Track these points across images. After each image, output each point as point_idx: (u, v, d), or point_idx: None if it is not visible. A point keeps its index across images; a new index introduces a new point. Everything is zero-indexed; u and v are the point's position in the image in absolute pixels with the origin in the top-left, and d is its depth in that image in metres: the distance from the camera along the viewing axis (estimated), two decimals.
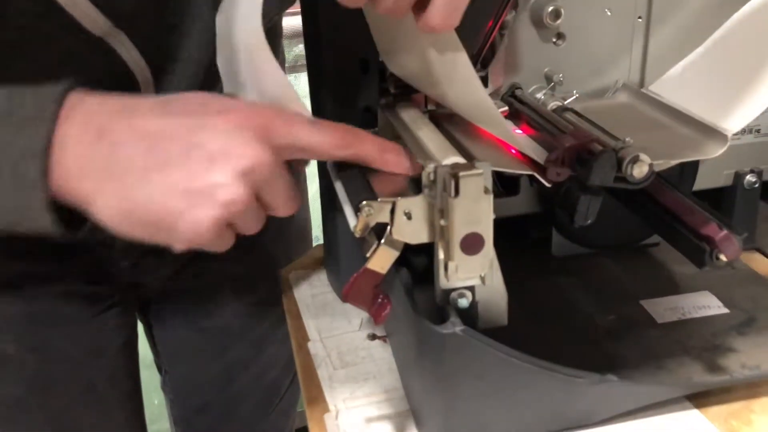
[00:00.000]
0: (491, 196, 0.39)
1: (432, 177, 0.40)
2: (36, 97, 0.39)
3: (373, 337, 0.57)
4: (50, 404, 0.69)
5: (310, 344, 0.56)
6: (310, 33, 0.55)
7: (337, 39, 0.51)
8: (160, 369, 0.86)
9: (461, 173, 0.38)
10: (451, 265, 0.41)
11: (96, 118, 0.39)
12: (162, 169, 0.39)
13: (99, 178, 0.39)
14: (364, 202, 0.41)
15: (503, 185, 0.59)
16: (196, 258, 0.74)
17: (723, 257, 0.45)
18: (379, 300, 0.44)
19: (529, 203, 0.59)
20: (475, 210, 0.39)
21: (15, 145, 0.38)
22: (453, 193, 0.39)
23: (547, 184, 0.44)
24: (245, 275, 0.77)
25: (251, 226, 0.43)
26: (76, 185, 0.39)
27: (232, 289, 0.78)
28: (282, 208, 0.43)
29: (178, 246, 0.41)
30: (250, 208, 0.41)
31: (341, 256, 0.60)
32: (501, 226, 0.50)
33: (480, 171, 0.39)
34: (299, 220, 0.83)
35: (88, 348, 0.71)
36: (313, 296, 0.63)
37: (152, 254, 0.69)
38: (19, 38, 0.47)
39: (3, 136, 0.38)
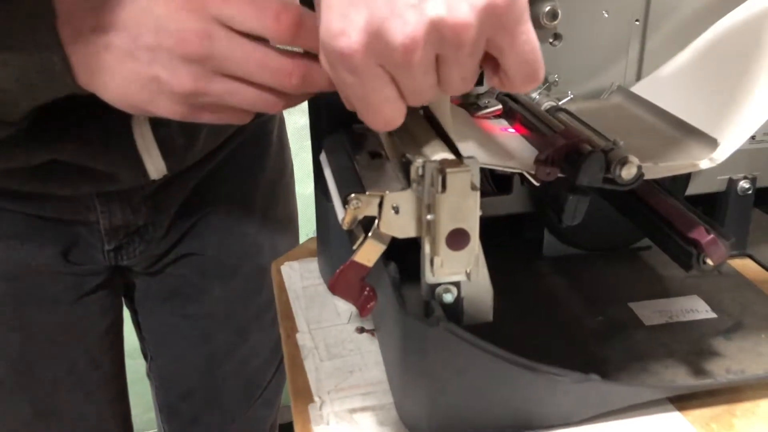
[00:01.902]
0: (478, 193, 0.39)
1: (420, 172, 0.40)
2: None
3: (361, 330, 0.57)
4: (32, 385, 0.70)
5: (298, 335, 0.57)
6: None
7: None
8: (145, 355, 0.87)
9: (448, 169, 0.39)
10: (436, 260, 0.41)
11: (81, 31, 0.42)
12: (119, 64, 0.42)
13: (92, 79, 0.43)
14: (353, 195, 0.41)
15: (496, 184, 0.59)
16: (181, 242, 0.74)
17: (709, 261, 0.45)
18: (366, 293, 0.44)
19: (522, 203, 0.60)
20: (462, 206, 0.39)
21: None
22: (440, 188, 0.39)
23: (536, 183, 0.44)
24: (229, 262, 0.78)
25: (235, 102, 0.43)
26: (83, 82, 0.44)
27: (216, 276, 0.78)
28: (251, 75, 0.42)
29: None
30: (207, 89, 0.42)
31: (333, 248, 0.61)
32: (493, 224, 0.50)
33: (467, 167, 0.39)
34: (284, 208, 0.83)
35: (71, 330, 0.71)
36: (304, 288, 0.63)
37: (136, 238, 0.70)
38: None
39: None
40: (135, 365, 0.90)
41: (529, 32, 0.34)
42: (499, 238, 0.57)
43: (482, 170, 0.43)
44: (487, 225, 0.42)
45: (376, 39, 0.33)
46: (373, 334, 0.56)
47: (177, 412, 0.87)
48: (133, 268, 0.75)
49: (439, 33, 0.33)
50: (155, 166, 0.63)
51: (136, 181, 0.63)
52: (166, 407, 0.87)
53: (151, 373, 0.87)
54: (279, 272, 0.67)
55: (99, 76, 0.43)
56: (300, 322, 0.58)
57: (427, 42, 0.33)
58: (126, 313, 0.83)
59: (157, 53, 0.41)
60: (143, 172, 0.62)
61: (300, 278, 0.65)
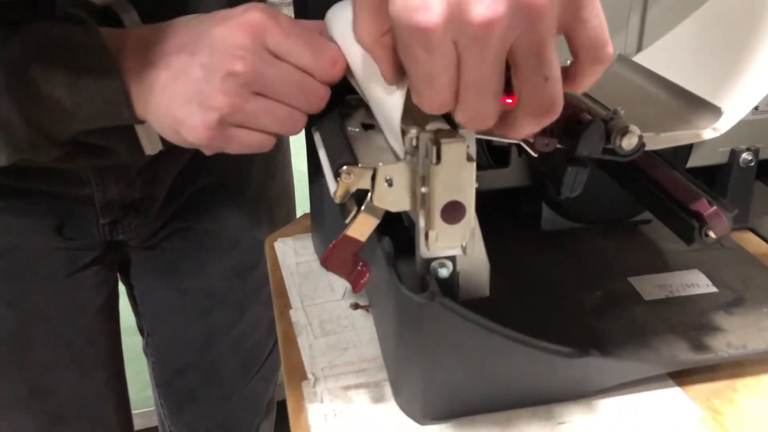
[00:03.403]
0: (474, 164, 0.38)
1: (414, 143, 0.39)
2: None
3: (355, 306, 0.56)
4: (27, 361, 0.70)
5: (291, 312, 0.56)
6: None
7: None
8: (141, 331, 0.86)
9: (443, 140, 0.37)
10: (431, 233, 0.40)
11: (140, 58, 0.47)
12: (171, 82, 0.45)
13: (146, 101, 0.47)
14: (345, 167, 0.40)
15: (493, 157, 0.58)
16: (176, 216, 0.73)
17: (712, 234, 0.44)
18: (359, 268, 0.43)
19: (519, 176, 0.58)
20: (457, 178, 0.38)
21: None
22: (435, 159, 0.38)
23: (534, 154, 0.43)
24: (227, 237, 0.77)
25: (265, 123, 0.46)
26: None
27: (213, 251, 0.77)
28: (288, 97, 0.45)
29: (205, 151, 0.48)
30: (244, 107, 0.44)
31: (326, 224, 0.60)
32: (490, 198, 0.49)
33: (463, 138, 0.38)
34: (281, 181, 0.82)
35: (66, 306, 0.71)
36: (297, 264, 0.62)
37: (131, 212, 0.69)
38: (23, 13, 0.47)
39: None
40: (131, 343, 0.90)
41: (599, 8, 0.33)
42: (496, 212, 0.56)
43: (479, 142, 0.41)
44: (483, 199, 0.41)
45: (457, 12, 0.31)
46: (367, 311, 0.56)
47: (174, 388, 0.86)
48: (128, 243, 0.74)
49: (520, 5, 0.31)
50: (150, 141, 0.62)
51: (130, 156, 0.63)
52: (163, 383, 0.87)
53: (147, 349, 0.87)
54: (273, 248, 0.66)
55: (152, 96, 0.46)
56: (294, 299, 0.57)
57: (507, 16, 0.31)
58: (121, 289, 0.82)
59: (208, 70, 0.44)
60: (138, 147, 0.61)
61: (294, 255, 0.64)
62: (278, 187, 0.82)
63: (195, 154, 0.71)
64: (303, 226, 0.69)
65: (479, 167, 0.39)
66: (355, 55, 0.45)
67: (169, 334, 0.83)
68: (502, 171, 0.58)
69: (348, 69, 0.46)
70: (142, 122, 0.49)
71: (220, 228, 0.77)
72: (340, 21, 0.47)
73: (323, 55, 0.45)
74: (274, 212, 0.81)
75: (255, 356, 0.85)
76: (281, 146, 0.82)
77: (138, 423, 1.23)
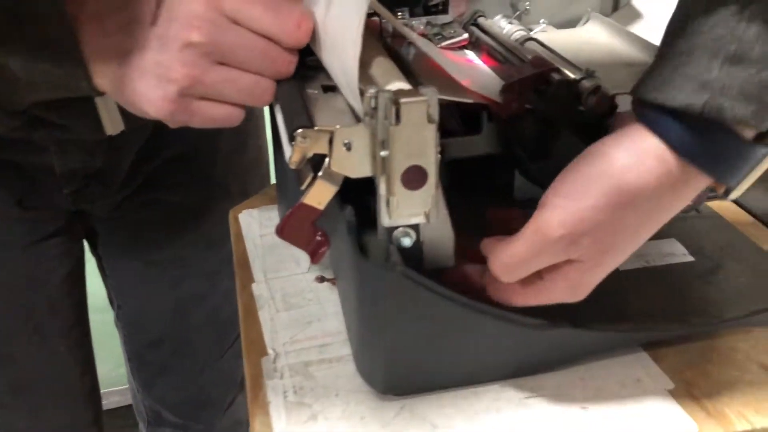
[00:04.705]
0: (435, 126, 0.36)
1: (373, 104, 0.36)
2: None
3: (321, 279, 0.54)
4: None
5: (254, 285, 0.53)
6: None
7: None
8: (112, 302, 0.84)
9: (403, 99, 0.35)
10: (392, 200, 0.38)
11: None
12: (129, 54, 0.43)
13: (104, 73, 0.44)
14: (300, 130, 0.37)
15: (465, 123, 0.55)
16: (143, 187, 0.71)
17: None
18: (318, 238, 0.41)
19: (492, 143, 0.56)
20: (418, 140, 0.36)
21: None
22: (394, 120, 0.35)
23: (503, 116, 0.41)
24: (196, 206, 0.75)
25: (229, 94, 0.44)
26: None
27: (182, 221, 0.75)
28: (251, 64, 0.43)
29: (169, 124, 0.46)
30: (203, 78, 0.42)
31: (289, 194, 0.57)
32: (463, 167, 0.47)
33: (424, 98, 0.36)
34: (253, 148, 0.80)
35: (27, 275, 0.69)
36: (261, 236, 0.60)
37: (95, 182, 0.67)
38: None
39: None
40: (105, 320, 0.88)
41: None
42: (469, 181, 0.54)
43: (450, 108, 0.39)
44: (456, 168, 0.39)
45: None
46: (333, 284, 0.53)
47: (146, 361, 0.85)
48: (95, 214, 0.72)
49: None
50: (112, 121, 0.60)
51: (91, 135, 0.60)
52: (134, 356, 0.86)
53: (118, 322, 0.85)
54: (237, 220, 0.63)
55: (111, 68, 0.44)
56: (256, 272, 0.55)
57: None
58: (94, 263, 0.80)
59: (165, 40, 0.42)
60: (99, 127, 0.59)
61: (259, 226, 0.62)
62: (250, 157, 0.80)
63: (161, 125, 0.69)
64: (269, 197, 0.66)
65: (450, 133, 0.37)
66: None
67: (138, 305, 0.81)
68: (474, 138, 0.56)
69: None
70: (101, 94, 0.46)
71: (188, 199, 0.74)
72: None
73: (286, 18, 0.43)
74: (246, 182, 0.79)
75: (228, 330, 0.84)
76: (252, 115, 0.80)
77: (114, 401, 1.22)
